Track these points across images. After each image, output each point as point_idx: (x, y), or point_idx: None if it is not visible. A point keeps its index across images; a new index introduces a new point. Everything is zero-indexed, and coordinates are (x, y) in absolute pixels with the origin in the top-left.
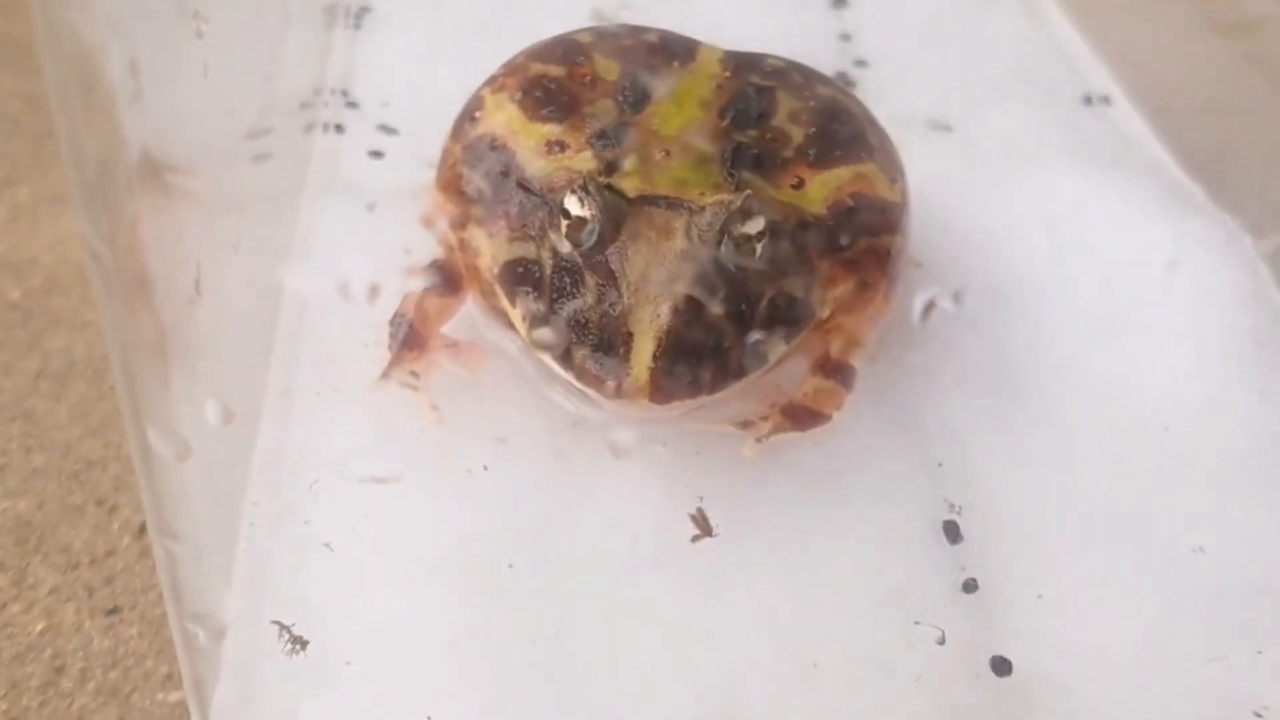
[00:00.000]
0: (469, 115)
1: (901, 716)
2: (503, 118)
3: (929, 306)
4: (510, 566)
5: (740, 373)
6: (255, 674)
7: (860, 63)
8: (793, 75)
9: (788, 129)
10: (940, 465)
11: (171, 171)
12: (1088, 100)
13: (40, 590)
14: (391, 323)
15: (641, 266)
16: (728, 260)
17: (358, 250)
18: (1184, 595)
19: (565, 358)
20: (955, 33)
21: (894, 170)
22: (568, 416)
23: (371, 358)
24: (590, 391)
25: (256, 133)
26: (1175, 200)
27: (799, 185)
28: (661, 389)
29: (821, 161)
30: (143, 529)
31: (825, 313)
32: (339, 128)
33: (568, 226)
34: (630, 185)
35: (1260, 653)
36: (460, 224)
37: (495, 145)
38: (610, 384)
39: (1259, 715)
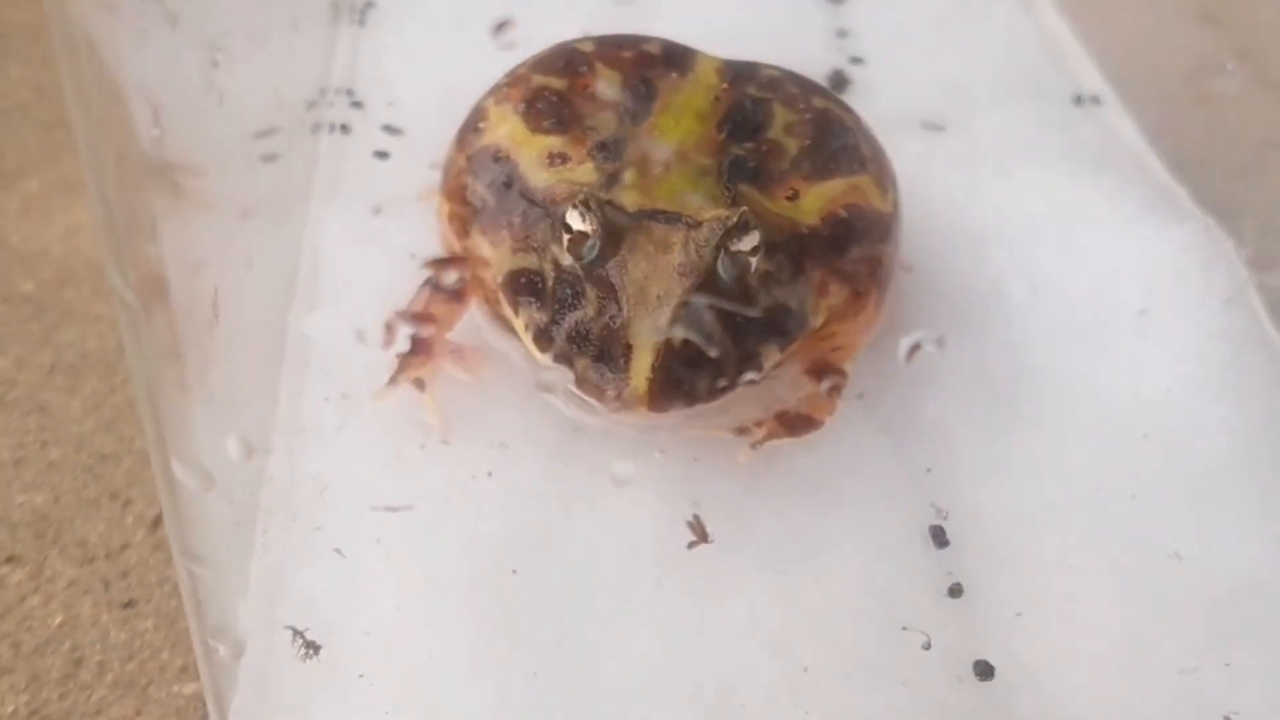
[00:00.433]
0: (473, 126)
1: None
2: (506, 129)
3: (914, 348)
4: (514, 572)
5: (735, 381)
6: (270, 679)
7: (856, 60)
8: (788, 86)
9: (783, 141)
10: (928, 471)
11: (180, 172)
12: (1078, 100)
13: (58, 583)
14: (390, 320)
15: (640, 280)
16: (724, 273)
17: (365, 258)
18: (1161, 601)
19: (567, 366)
20: (951, 29)
21: (886, 181)
22: (568, 423)
23: (379, 364)
24: (591, 400)
25: (263, 133)
26: (1161, 203)
27: (794, 197)
28: (659, 398)
29: (816, 174)
30: (156, 522)
31: (818, 321)
32: (344, 128)
33: (569, 240)
34: (630, 199)
35: (1228, 664)
36: (465, 233)
37: (499, 156)
38: (610, 393)
39: None
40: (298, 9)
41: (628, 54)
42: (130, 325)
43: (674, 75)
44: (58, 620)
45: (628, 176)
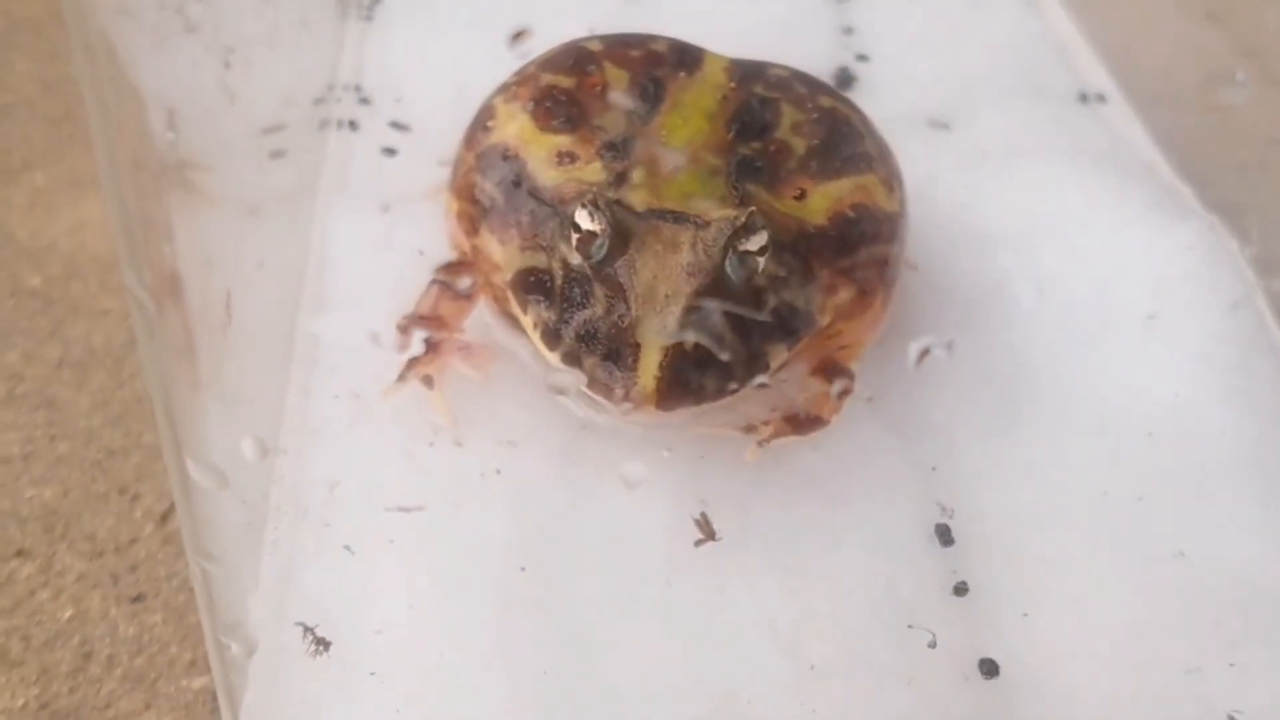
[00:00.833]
0: (482, 124)
1: (894, 718)
2: (515, 128)
3: (923, 353)
4: (523, 570)
5: (743, 380)
6: (281, 676)
7: (862, 57)
8: (796, 86)
9: (790, 141)
10: (934, 469)
11: (190, 168)
12: (1084, 98)
13: (68, 577)
14: (401, 323)
15: (649, 279)
16: (731, 273)
17: (373, 255)
18: (1167, 601)
19: (575, 365)
20: (957, 27)
21: (893, 180)
22: (577, 421)
23: (388, 362)
24: (599, 398)
25: (271, 129)
26: (1166, 202)
27: (801, 196)
28: (667, 397)
29: (823, 173)
30: (164, 517)
31: (825, 320)
32: (352, 124)
33: (578, 240)
34: (638, 198)
35: (1233, 664)
36: (473, 231)
37: (507, 155)
38: (619, 392)
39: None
40: (306, 5)
41: (636, 53)
42: (145, 326)
43: (682, 74)
44: (67, 614)
45: (636, 176)
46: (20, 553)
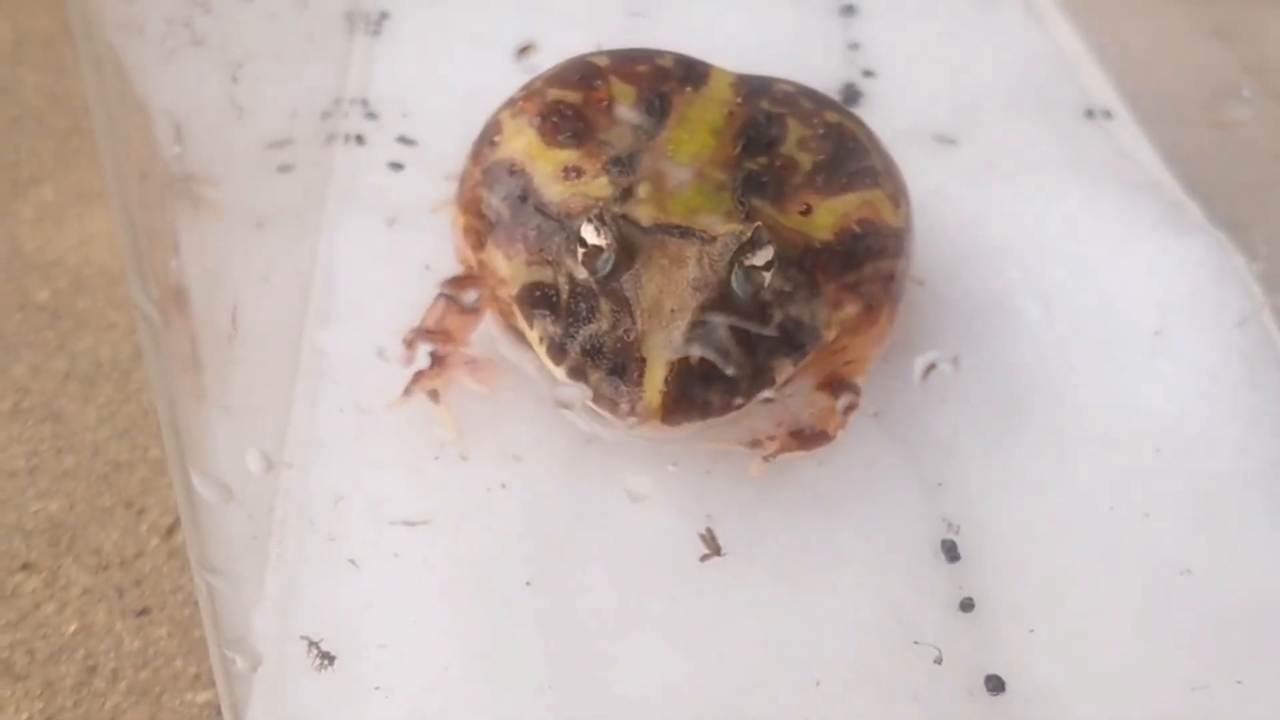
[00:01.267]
0: (488, 139)
1: None
2: (521, 142)
3: (929, 368)
4: (528, 584)
5: (748, 395)
6: (286, 690)
7: (868, 73)
8: (802, 101)
9: (796, 156)
10: (940, 485)
11: (198, 182)
12: (1090, 113)
13: (73, 591)
14: (407, 338)
15: (654, 294)
16: (738, 288)
17: (380, 269)
18: (1172, 617)
19: (581, 380)
20: (963, 42)
21: (898, 195)
22: (582, 435)
23: (394, 375)
24: (605, 413)
25: (278, 143)
26: (1173, 218)
27: (807, 212)
28: (672, 412)
29: (829, 188)
30: (170, 530)
31: (831, 335)
32: (359, 139)
33: (584, 254)
34: (644, 213)
35: (1240, 681)
36: (480, 245)
37: (514, 170)
38: (624, 406)
39: None
40: (313, 21)
41: (642, 68)
42: (151, 339)
43: (688, 90)
44: (72, 628)
45: (642, 191)
46: (26, 566)
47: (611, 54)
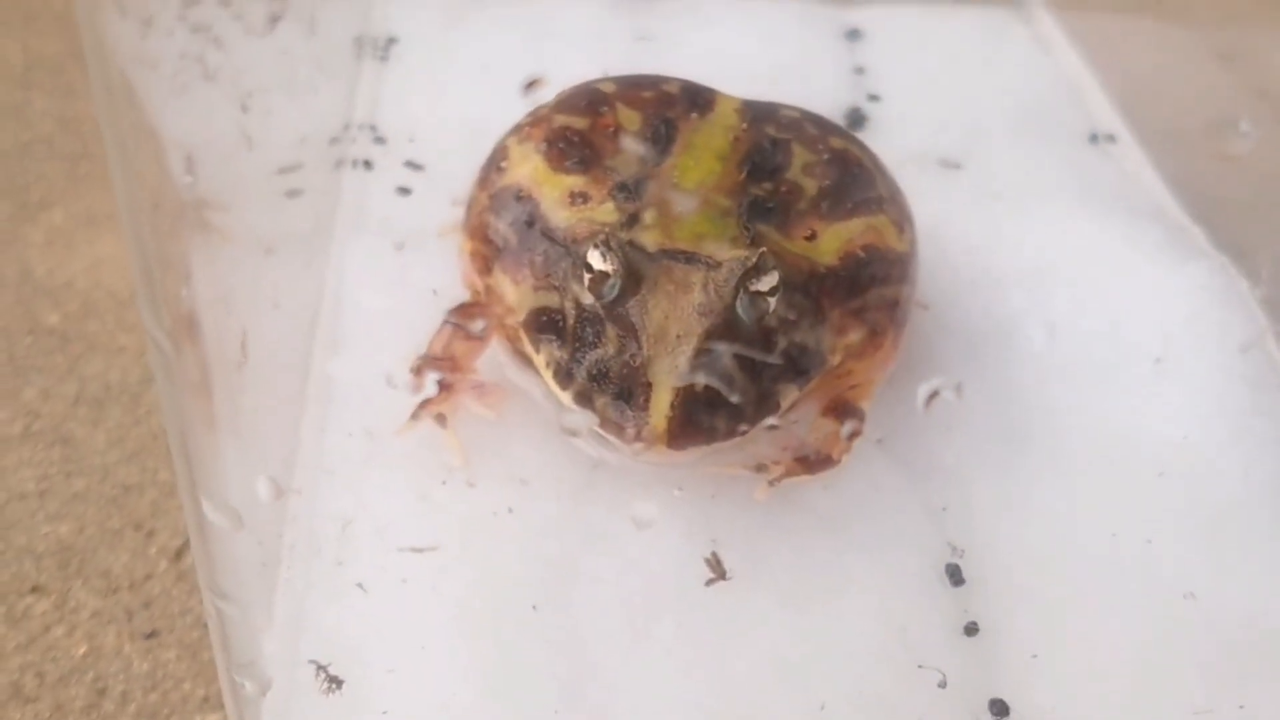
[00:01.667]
0: (495, 164)
1: None
2: (528, 168)
3: (932, 395)
4: (534, 608)
5: (753, 420)
6: (294, 714)
7: (874, 97)
8: (807, 127)
9: (802, 182)
10: (944, 509)
11: (208, 207)
12: (1094, 138)
13: (82, 614)
14: (415, 366)
15: (660, 319)
16: (743, 313)
17: (387, 294)
18: (1176, 642)
19: (587, 404)
20: (968, 66)
21: (903, 220)
22: (588, 459)
23: (401, 400)
24: (611, 437)
25: (287, 168)
26: (1177, 243)
27: (812, 237)
28: (678, 436)
29: (834, 214)
30: (179, 553)
31: (836, 360)
32: (367, 164)
33: (590, 280)
34: (650, 239)
35: (1243, 706)
36: (487, 270)
37: (521, 195)
38: (630, 431)
39: None
40: (322, 46)
41: (648, 94)
42: (163, 367)
43: (694, 115)
44: (81, 650)
45: (648, 216)
46: (35, 589)
47: (618, 80)
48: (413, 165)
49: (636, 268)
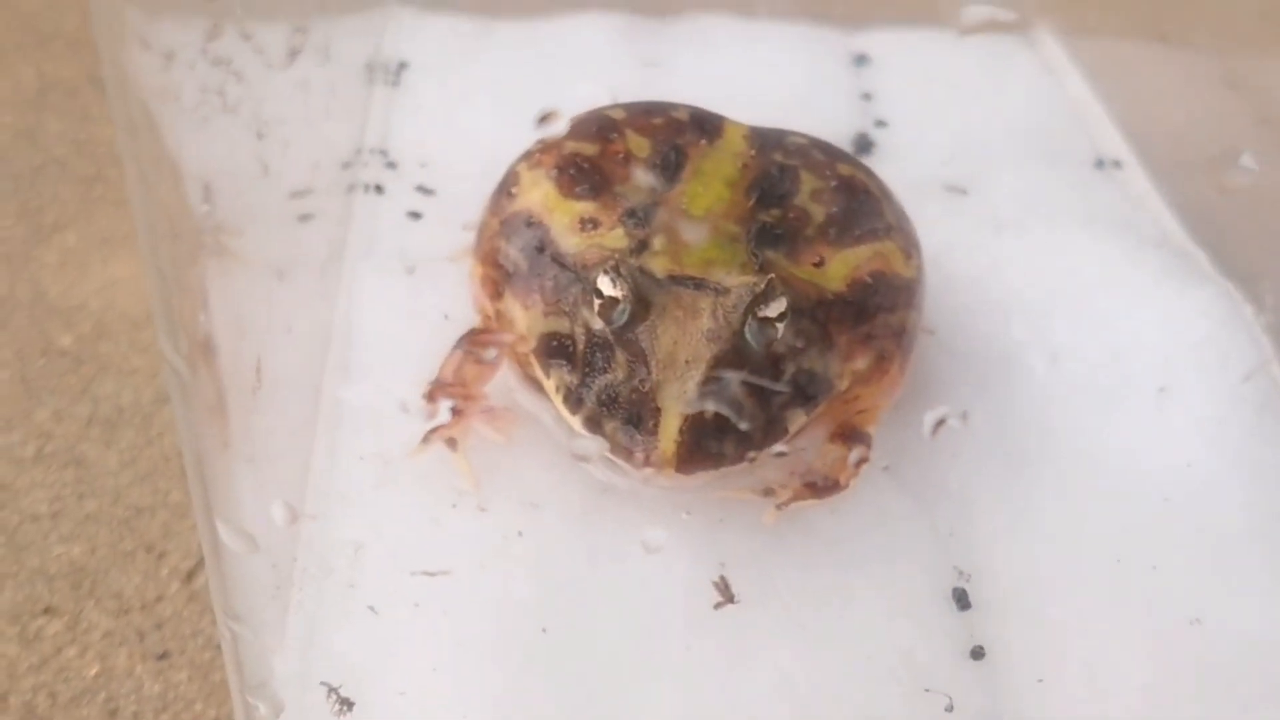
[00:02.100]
0: (506, 190)
1: None
2: (538, 194)
3: (939, 423)
4: (544, 631)
5: (761, 444)
6: None
7: (881, 123)
8: (814, 153)
9: (809, 208)
10: (951, 534)
11: (223, 231)
12: (1099, 163)
13: (94, 635)
14: (428, 393)
15: (669, 345)
16: (751, 339)
17: (399, 318)
18: (1181, 666)
19: (597, 429)
20: (975, 92)
21: (910, 247)
22: (598, 483)
23: (412, 424)
24: (620, 462)
25: (299, 193)
26: (1182, 268)
27: (820, 263)
28: (687, 461)
29: (841, 240)
30: (190, 575)
31: (843, 385)
32: (379, 188)
33: (600, 305)
34: (659, 265)
35: None
36: (497, 295)
37: (531, 221)
38: (639, 455)
39: None
40: (335, 73)
41: (658, 121)
42: (180, 393)
43: (703, 142)
44: (93, 671)
45: (657, 243)
46: (48, 610)
47: (627, 107)
48: (424, 190)
49: (646, 294)
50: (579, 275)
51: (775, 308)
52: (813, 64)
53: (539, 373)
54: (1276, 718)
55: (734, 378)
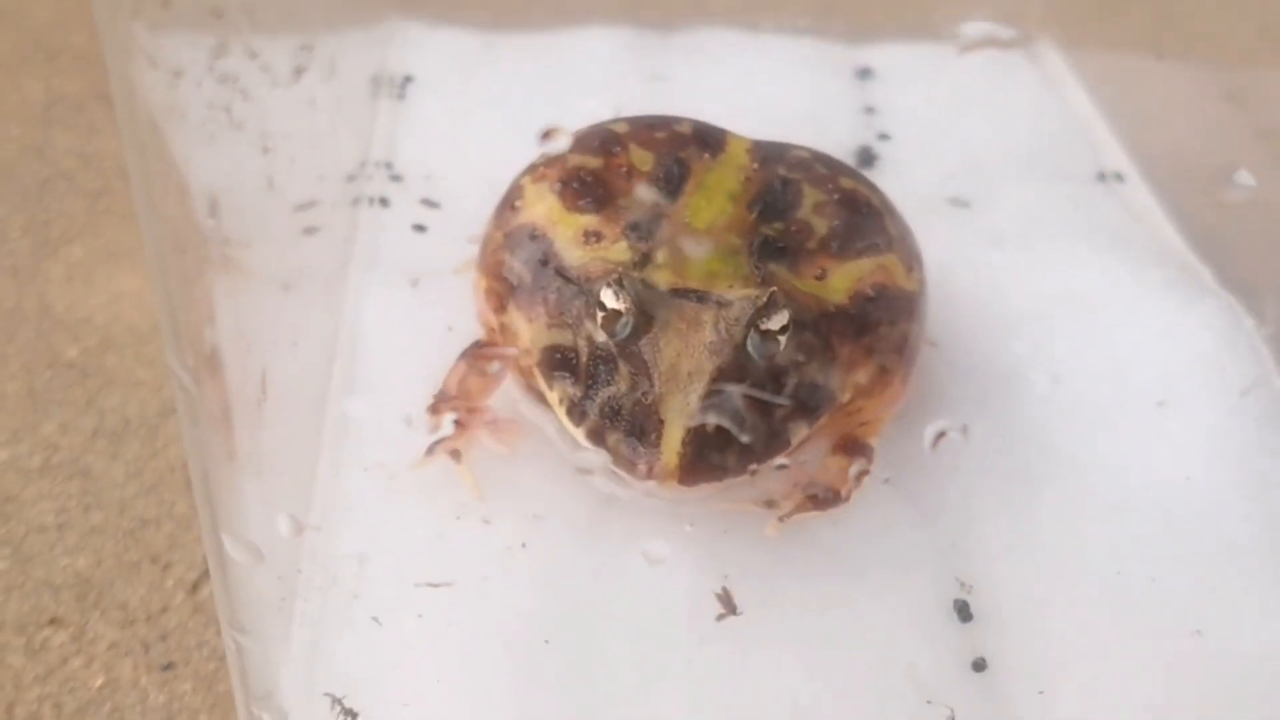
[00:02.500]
0: (510, 203)
1: None
2: (543, 208)
3: (939, 436)
4: (547, 643)
5: (764, 457)
6: None
7: (884, 136)
8: (817, 167)
9: (812, 221)
10: (952, 546)
11: (229, 244)
12: (1101, 177)
13: (99, 646)
14: (432, 405)
15: (672, 357)
16: (754, 351)
17: (403, 330)
18: (1182, 679)
19: (600, 441)
20: (977, 105)
21: (912, 259)
22: (601, 495)
23: (416, 436)
24: (623, 474)
25: (304, 206)
26: (1184, 281)
27: (822, 276)
28: (689, 473)
29: (844, 253)
30: (195, 586)
31: (845, 398)
32: (383, 201)
33: (603, 318)
34: (662, 278)
35: None
36: (501, 308)
37: (535, 234)
38: (642, 467)
39: None
40: (340, 86)
41: (661, 135)
42: (187, 407)
43: (706, 156)
44: (99, 682)
45: (660, 255)
46: (53, 621)
47: (631, 121)
48: (429, 203)
49: (649, 306)
50: (582, 288)
51: (777, 320)
52: (816, 78)
53: (542, 385)
54: None
55: (736, 390)
